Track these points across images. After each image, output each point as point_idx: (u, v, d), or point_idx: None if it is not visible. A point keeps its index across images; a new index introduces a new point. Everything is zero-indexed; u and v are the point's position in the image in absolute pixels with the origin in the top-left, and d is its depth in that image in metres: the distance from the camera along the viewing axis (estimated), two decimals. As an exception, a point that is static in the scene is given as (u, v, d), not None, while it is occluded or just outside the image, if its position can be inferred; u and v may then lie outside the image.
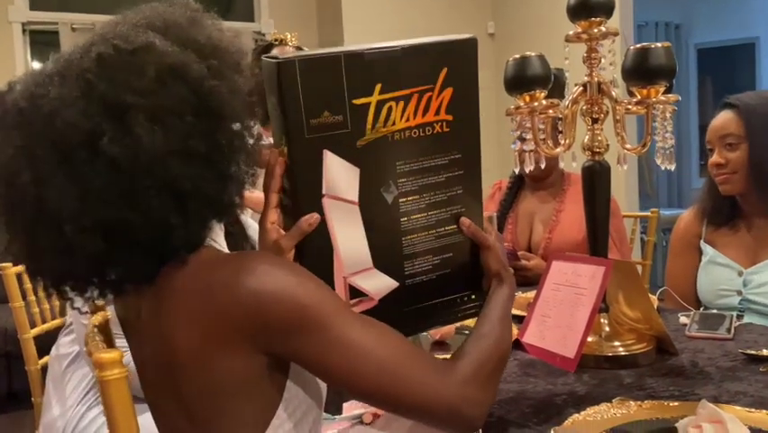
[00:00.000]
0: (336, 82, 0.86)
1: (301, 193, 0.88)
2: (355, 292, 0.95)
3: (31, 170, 0.69)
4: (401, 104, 0.89)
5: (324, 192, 0.89)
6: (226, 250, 0.86)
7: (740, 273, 1.60)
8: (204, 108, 0.72)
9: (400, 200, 0.93)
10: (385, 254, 0.94)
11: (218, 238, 0.84)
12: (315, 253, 0.90)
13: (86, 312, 0.92)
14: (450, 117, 0.92)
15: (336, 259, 0.93)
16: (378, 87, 0.88)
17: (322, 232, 0.90)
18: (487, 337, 0.86)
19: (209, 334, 0.73)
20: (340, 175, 0.90)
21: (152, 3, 0.80)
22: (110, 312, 1.00)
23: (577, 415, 0.94)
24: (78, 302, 0.78)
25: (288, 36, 2.19)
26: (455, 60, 0.91)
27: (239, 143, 0.76)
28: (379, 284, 0.95)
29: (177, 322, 0.76)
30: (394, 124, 0.90)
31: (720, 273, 1.64)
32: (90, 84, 0.69)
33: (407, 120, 0.90)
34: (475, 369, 0.81)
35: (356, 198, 0.91)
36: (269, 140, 0.89)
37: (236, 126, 0.76)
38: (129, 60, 0.70)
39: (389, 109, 0.89)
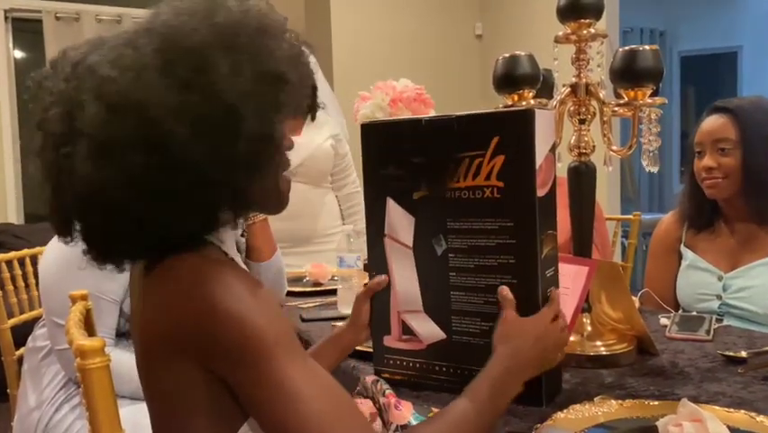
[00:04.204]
0: (400, 143, 1.04)
1: (369, 229, 1.08)
2: (407, 330, 1.08)
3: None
4: (452, 165, 0.99)
5: (385, 232, 1.06)
6: (239, 259, 0.86)
7: (720, 278, 1.62)
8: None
9: (449, 255, 1.01)
10: (435, 303, 1.04)
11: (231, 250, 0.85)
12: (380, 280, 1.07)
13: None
14: (501, 184, 0.96)
15: (393, 293, 1.08)
16: (433, 149, 1.00)
17: (384, 266, 1.07)
18: (450, 415, 0.80)
19: (164, 333, 0.73)
20: (398, 221, 1.05)
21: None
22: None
23: (559, 413, 0.94)
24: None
25: None
26: (508, 130, 0.95)
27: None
28: (428, 330, 1.05)
29: (147, 316, 0.76)
30: (446, 183, 1.00)
31: (700, 277, 1.66)
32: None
33: (458, 181, 0.98)
34: None
35: (410, 244, 1.04)
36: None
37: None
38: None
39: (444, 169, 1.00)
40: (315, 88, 0.87)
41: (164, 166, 0.68)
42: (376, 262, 1.09)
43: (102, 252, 0.76)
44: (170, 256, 0.75)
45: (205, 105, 0.68)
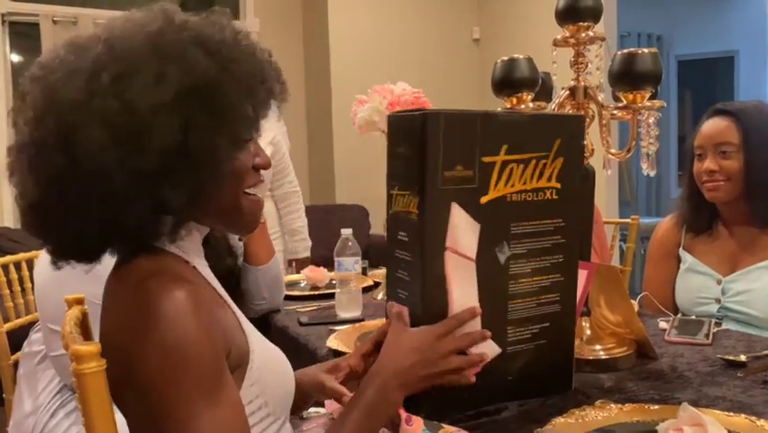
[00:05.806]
0: (471, 139, 0.89)
1: (427, 242, 0.88)
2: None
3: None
4: (521, 167, 0.93)
5: (447, 245, 0.89)
6: (206, 266, 0.85)
7: (719, 281, 1.62)
8: None
9: (510, 262, 0.94)
10: (491, 317, 0.93)
11: (195, 255, 0.84)
12: (435, 305, 0.90)
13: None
14: (558, 185, 0.95)
15: (450, 314, 0.91)
16: (504, 147, 0.91)
17: (442, 286, 0.90)
18: None
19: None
20: (463, 230, 0.90)
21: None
22: None
23: (559, 417, 0.93)
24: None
25: None
26: (567, 133, 0.96)
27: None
28: (485, 348, 0.93)
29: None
30: (513, 185, 0.92)
31: (699, 281, 1.65)
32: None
33: (524, 183, 0.93)
34: None
35: (473, 255, 0.91)
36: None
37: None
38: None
39: (511, 170, 0.92)
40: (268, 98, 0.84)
41: (77, 170, 0.69)
42: (433, 282, 0.90)
43: (49, 250, 0.78)
44: (127, 260, 0.75)
45: (117, 114, 0.68)
